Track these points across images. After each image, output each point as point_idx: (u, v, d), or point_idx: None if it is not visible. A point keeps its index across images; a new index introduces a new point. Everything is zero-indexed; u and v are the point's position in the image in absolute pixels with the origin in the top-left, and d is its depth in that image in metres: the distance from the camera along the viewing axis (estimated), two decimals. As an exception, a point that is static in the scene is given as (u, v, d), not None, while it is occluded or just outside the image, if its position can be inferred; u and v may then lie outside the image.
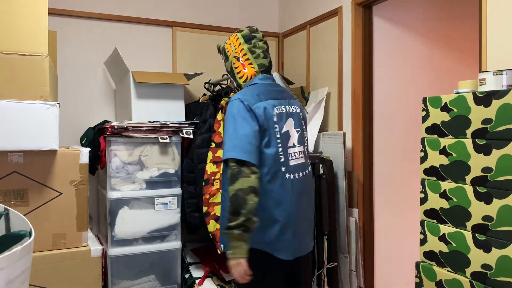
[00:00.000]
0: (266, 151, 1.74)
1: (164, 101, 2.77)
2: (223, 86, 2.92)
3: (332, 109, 2.84)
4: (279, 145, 1.78)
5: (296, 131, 1.86)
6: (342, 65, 2.74)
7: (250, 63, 1.91)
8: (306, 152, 1.93)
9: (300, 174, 1.83)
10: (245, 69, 1.93)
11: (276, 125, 1.78)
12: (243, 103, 1.73)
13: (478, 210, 1.42)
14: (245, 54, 1.91)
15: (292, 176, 1.79)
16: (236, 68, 1.94)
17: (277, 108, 1.81)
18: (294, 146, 1.84)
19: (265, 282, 1.75)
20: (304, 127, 1.93)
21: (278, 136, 1.78)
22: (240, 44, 1.93)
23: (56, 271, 1.98)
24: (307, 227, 1.87)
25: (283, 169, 1.77)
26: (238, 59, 1.94)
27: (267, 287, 1.76)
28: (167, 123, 2.59)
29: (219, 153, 2.40)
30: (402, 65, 2.81)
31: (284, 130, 1.81)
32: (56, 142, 1.93)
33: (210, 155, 2.44)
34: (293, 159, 1.82)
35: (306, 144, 1.93)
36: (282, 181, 1.77)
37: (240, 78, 1.94)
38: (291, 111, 1.87)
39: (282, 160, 1.78)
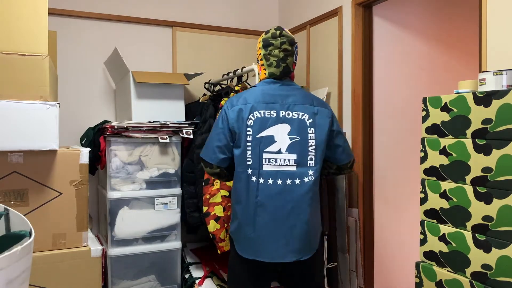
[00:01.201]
0: (234, 151, 1.85)
1: (164, 101, 2.77)
2: (223, 86, 2.92)
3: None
4: (248, 148, 1.81)
5: (290, 138, 1.82)
6: (342, 65, 2.74)
7: (264, 69, 1.94)
8: (309, 161, 1.83)
9: (279, 181, 1.80)
10: (260, 72, 1.98)
11: (248, 129, 1.81)
12: (225, 106, 1.90)
13: (478, 210, 1.42)
14: (261, 59, 1.95)
15: (262, 181, 1.80)
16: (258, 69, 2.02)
17: (259, 112, 1.82)
18: (279, 152, 1.81)
19: (233, 271, 1.93)
20: (311, 134, 1.84)
21: (249, 139, 1.81)
22: (259, 48, 1.96)
23: (56, 271, 1.98)
24: (288, 235, 1.79)
25: (249, 171, 1.81)
26: (257, 61, 1.99)
27: (236, 276, 1.92)
28: (167, 123, 2.59)
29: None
30: (402, 65, 2.80)
31: (262, 134, 1.81)
32: (56, 142, 1.93)
33: (210, 155, 2.43)
34: (270, 164, 1.81)
35: (309, 153, 1.83)
36: (246, 182, 1.82)
37: (259, 80, 2.01)
38: (289, 116, 1.83)
39: (249, 162, 1.81)
